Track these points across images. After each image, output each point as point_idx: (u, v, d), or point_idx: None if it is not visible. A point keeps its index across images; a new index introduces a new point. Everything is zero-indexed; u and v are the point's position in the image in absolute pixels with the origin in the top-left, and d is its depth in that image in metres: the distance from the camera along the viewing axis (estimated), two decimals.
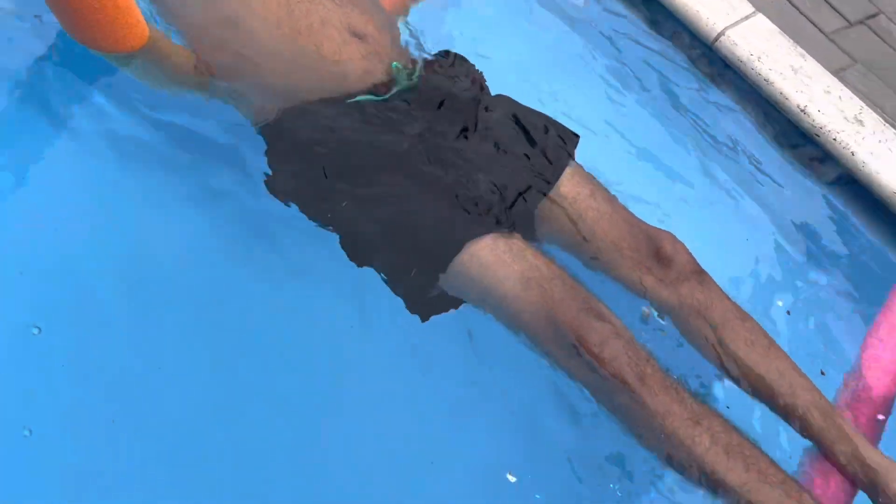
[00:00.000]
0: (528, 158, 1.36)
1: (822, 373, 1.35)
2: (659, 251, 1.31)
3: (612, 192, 1.43)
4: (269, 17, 1.30)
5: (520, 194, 1.34)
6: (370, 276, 1.34)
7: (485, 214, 1.27)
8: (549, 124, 1.45)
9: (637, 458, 1.21)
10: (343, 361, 1.37)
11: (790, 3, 2.88)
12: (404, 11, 1.64)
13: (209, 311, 1.31)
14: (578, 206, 1.35)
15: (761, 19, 2.59)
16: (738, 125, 2.26)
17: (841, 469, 1.20)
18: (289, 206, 1.33)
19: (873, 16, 3.18)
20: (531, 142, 1.38)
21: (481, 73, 1.49)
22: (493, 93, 1.49)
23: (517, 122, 1.42)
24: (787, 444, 1.32)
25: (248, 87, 1.36)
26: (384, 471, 1.28)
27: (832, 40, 2.86)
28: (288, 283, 1.38)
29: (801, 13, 2.90)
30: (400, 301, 1.32)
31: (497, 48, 1.72)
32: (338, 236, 1.33)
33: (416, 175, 1.28)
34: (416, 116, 1.34)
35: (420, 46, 1.51)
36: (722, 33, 2.41)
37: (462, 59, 1.51)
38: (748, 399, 1.29)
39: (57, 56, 1.44)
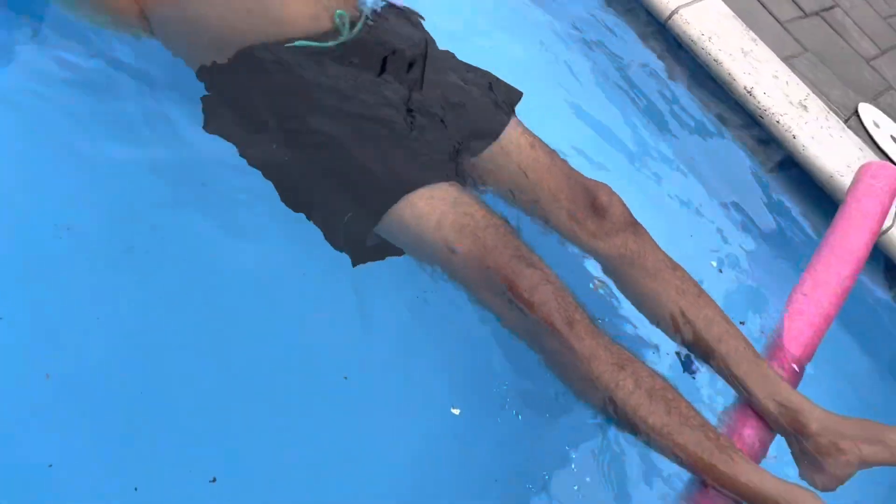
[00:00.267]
0: (471, 112, 1.41)
1: (742, 322, 1.43)
2: (595, 202, 1.37)
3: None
4: None
5: (461, 145, 1.40)
6: (312, 228, 1.38)
7: (423, 164, 1.32)
8: (493, 82, 1.51)
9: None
10: (283, 305, 1.41)
11: None
12: None
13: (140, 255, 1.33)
14: (519, 157, 1.41)
15: (716, 2, 2.69)
16: (685, 104, 2.35)
17: (762, 412, 1.29)
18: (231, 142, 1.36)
19: (829, 8, 3.31)
20: (474, 97, 1.43)
21: (424, 29, 1.53)
22: (438, 48, 1.54)
23: (461, 77, 1.47)
24: (709, 390, 1.40)
25: (188, 28, 1.38)
26: (330, 409, 1.32)
27: (786, 29, 2.97)
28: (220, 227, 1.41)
29: (759, 1, 3.01)
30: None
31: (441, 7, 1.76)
32: (274, 180, 1.36)
33: (356, 123, 1.32)
34: (358, 67, 1.38)
35: None
36: (675, 12, 2.50)
37: (409, 14, 1.55)
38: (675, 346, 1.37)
39: None
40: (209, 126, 1.34)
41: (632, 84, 2.25)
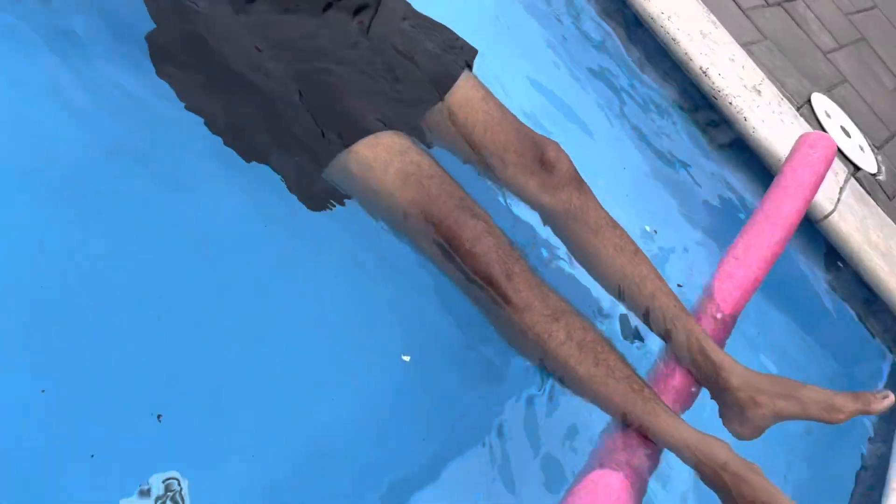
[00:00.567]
0: (423, 63, 1.47)
1: (679, 285, 1.53)
2: (543, 157, 1.45)
3: None
4: None
5: (410, 96, 1.45)
6: (268, 176, 1.43)
7: (370, 112, 1.36)
8: (448, 37, 1.56)
9: None
10: (234, 254, 1.45)
11: None
12: None
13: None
14: (470, 109, 1.47)
15: None
16: (639, 80, 2.44)
17: (688, 366, 1.39)
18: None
19: (791, 0, 3.43)
20: (427, 49, 1.49)
21: None
22: None
23: (415, 27, 1.53)
24: (639, 345, 1.50)
25: None
26: (280, 356, 1.38)
27: (747, 15, 3.08)
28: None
29: None
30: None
31: None
32: (227, 135, 1.40)
33: (303, 69, 1.36)
34: (307, 12, 1.43)
35: None
36: None
37: None
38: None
39: None
40: (159, 72, 1.38)
41: (587, 56, 2.34)
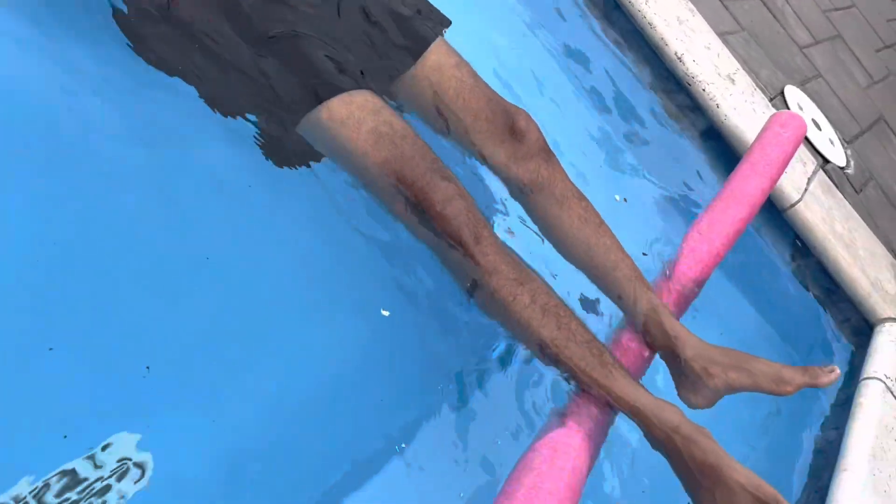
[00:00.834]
0: (398, 26, 1.52)
1: (644, 254, 1.59)
2: (514, 126, 1.49)
3: None
4: None
5: (385, 60, 1.50)
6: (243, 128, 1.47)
7: (344, 72, 1.40)
8: (422, 6, 1.61)
9: None
10: (211, 211, 1.49)
11: None
12: None
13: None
14: (443, 75, 1.51)
15: None
16: (616, 64, 2.51)
17: (646, 336, 1.45)
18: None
19: None
20: (401, 14, 1.54)
21: None
22: None
23: None
24: (600, 312, 1.56)
25: None
26: (262, 312, 1.41)
27: (725, 6, 3.16)
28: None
29: None
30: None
31: None
32: (196, 88, 1.44)
33: (279, 28, 1.38)
34: None
35: None
36: None
37: None
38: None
39: None
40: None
41: (566, 36, 2.40)
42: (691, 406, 1.39)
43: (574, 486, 1.15)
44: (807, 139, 2.73)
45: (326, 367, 1.44)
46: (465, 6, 2.00)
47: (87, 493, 1.13)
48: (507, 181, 1.50)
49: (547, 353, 1.32)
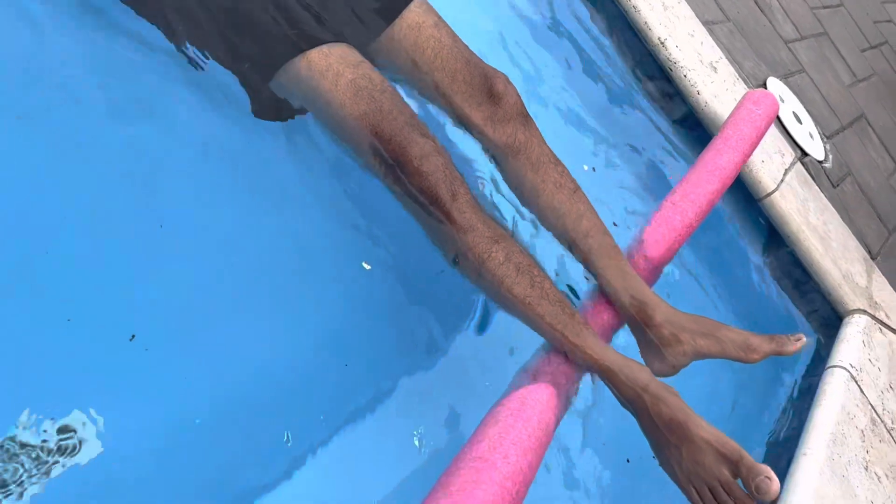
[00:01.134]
0: None
1: (615, 224, 1.66)
2: (492, 88, 1.55)
3: None
4: None
5: (364, 17, 1.54)
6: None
7: (323, 25, 1.45)
8: None
9: None
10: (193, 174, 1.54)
11: None
12: None
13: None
14: (422, 34, 1.57)
15: None
16: (598, 45, 2.58)
17: (615, 301, 1.52)
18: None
19: None
20: None
21: None
22: None
23: None
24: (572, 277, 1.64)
25: None
26: (242, 270, 1.47)
27: None
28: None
29: None
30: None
31: None
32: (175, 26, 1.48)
33: None
34: None
35: None
36: None
37: None
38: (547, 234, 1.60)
39: None
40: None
41: (549, 12, 2.47)
42: (657, 373, 1.45)
43: (540, 437, 1.21)
44: (786, 131, 2.82)
45: (305, 328, 1.50)
46: None
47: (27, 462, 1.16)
48: (484, 144, 1.56)
49: (519, 311, 1.38)
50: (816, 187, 2.72)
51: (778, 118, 2.82)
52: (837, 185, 2.90)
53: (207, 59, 1.47)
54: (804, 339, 1.46)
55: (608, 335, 1.47)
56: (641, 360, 1.49)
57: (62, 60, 1.46)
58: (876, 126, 3.61)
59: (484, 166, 1.61)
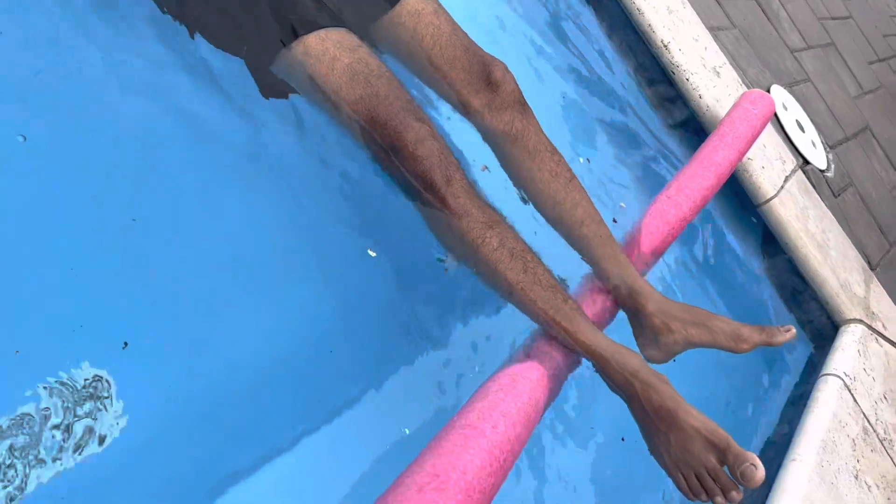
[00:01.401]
0: None
1: (615, 221, 1.73)
2: (490, 76, 1.60)
3: None
4: None
5: (362, 2, 1.60)
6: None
7: (321, 10, 1.49)
8: None
9: None
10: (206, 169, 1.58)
11: None
12: None
13: None
14: (421, 21, 1.62)
15: None
16: (600, 46, 2.65)
17: (611, 289, 1.59)
18: None
19: None
20: None
21: None
22: None
23: None
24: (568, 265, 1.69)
25: None
26: (249, 264, 1.52)
27: (718, 2, 3.31)
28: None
29: None
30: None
31: None
32: (193, 24, 1.53)
33: None
34: None
35: None
36: None
37: None
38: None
39: None
40: None
41: (551, 10, 2.53)
42: (651, 360, 1.52)
43: (529, 413, 1.27)
44: (788, 139, 2.88)
45: (303, 311, 1.55)
46: None
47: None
48: (482, 130, 1.62)
49: (512, 296, 1.43)
50: (817, 196, 2.78)
51: (780, 125, 2.89)
52: (839, 195, 2.96)
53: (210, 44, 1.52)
54: (793, 330, 1.52)
55: (603, 321, 1.53)
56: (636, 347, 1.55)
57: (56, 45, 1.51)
58: (881, 138, 3.68)
59: (483, 151, 1.66)
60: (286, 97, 1.57)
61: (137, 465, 1.26)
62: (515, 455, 1.19)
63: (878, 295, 2.76)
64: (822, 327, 2.59)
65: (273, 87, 1.53)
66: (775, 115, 2.91)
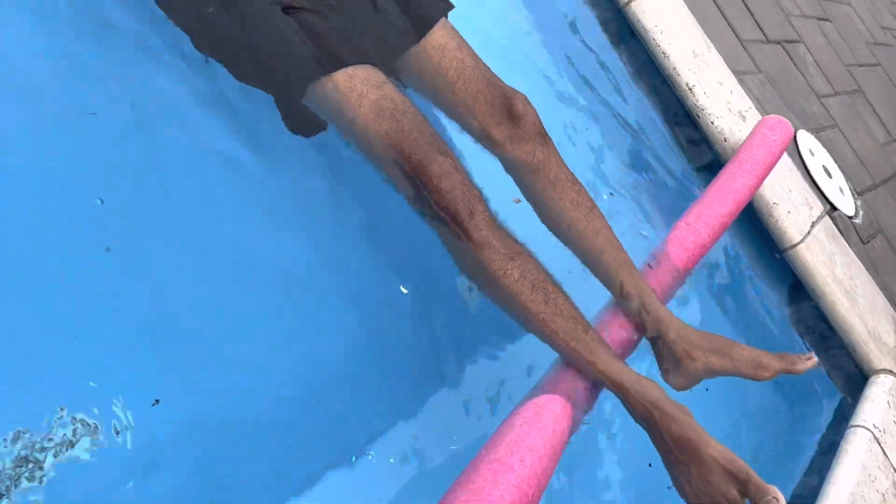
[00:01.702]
0: (403, 7, 1.71)
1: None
2: (512, 108, 1.68)
3: None
4: None
5: (390, 37, 1.68)
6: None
7: (349, 46, 1.58)
8: None
9: None
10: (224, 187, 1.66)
11: (716, 4, 3.39)
12: None
13: None
14: (445, 56, 1.71)
15: (678, 2, 3.06)
16: (624, 88, 2.71)
17: (632, 317, 1.64)
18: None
19: (792, 41, 3.75)
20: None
21: None
22: None
23: None
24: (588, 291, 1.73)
25: None
26: (284, 297, 1.59)
27: (744, 47, 3.37)
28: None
29: (724, 16, 3.41)
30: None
31: None
32: (219, 58, 1.60)
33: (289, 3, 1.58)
34: None
35: None
36: None
37: None
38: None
39: None
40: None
41: (576, 50, 2.61)
42: (673, 388, 1.58)
43: (555, 445, 1.31)
44: (815, 184, 2.92)
45: (335, 348, 1.62)
46: (476, 5, 2.20)
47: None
48: (504, 161, 1.70)
49: (534, 327, 1.49)
50: (845, 242, 2.82)
51: (807, 170, 2.93)
52: (867, 242, 3.00)
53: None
54: (815, 358, 1.57)
55: (625, 350, 1.59)
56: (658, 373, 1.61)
57: (77, 70, 1.57)
58: None
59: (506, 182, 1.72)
60: (315, 133, 1.64)
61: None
62: (542, 489, 1.23)
63: None
64: (851, 375, 2.61)
65: (301, 122, 1.60)
66: (801, 159, 2.96)
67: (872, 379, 2.57)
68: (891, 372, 2.57)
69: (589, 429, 1.49)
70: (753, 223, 2.60)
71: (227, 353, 1.48)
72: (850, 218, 2.98)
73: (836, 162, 3.14)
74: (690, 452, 1.39)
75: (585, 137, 2.35)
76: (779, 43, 3.65)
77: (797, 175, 2.82)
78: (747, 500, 1.37)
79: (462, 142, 1.72)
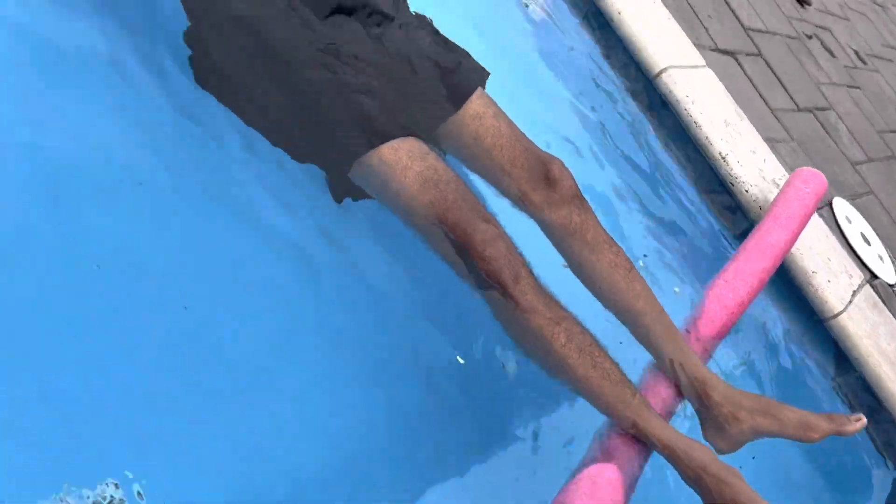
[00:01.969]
0: (442, 78, 1.78)
1: (676, 290, 1.81)
2: (548, 174, 1.74)
3: None
4: None
5: (430, 108, 1.75)
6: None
7: (394, 120, 1.65)
8: (464, 58, 1.87)
9: None
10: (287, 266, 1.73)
11: (745, 74, 3.46)
12: None
13: None
14: (482, 124, 1.77)
15: (708, 73, 3.13)
16: (661, 161, 2.77)
17: (674, 378, 1.67)
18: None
19: (823, 109, 3.81)
20: (445, 64, 1.80)
21: None
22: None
23: (435, 43, 1.84)
24: (632, 356, 1.76)
25: None
26: (339, 360, 1.66)
27: (776, 116, 3.43)
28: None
29: (753, 85, 3.48)
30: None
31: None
32: (273, 139, 1.69)
33: (331, 76, 1.64)
34: (334, 24, 1.72)
35: None
36: (665, 70, 2.94)
37: None
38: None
39: None
40: (198, 80, 1.69)
41: (613, 123, 2.68)
42: (717, 450, 1.59)
43: None
44: (854, 252, 2.94)
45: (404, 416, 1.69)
46: (510, 71, 2.27)
47: None
48: (542, 224, 1.75)
49: (582, 390, 1.54)
50: (888, 312, 2.82)
51: (845, 239, 2.96)
52: None
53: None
54: (864, 419, 1.58)
55: (668, 413, 1.60)
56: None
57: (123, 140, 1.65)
58: None
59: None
60: (357, 200, 1.70)
61: None
62: None
63: None
64: None
65: (346, 195, 1.69)
66: (839, 227, 2.99)
67: None
68: None
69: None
70: (793, 292, 2.62)
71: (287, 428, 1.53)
72: (892, 286, 3.00)
73: (874, 229, 3.17)
74: None
75: (620, 202, 2.39)
76: (810, 111, 3.71)
77: (835, 242, 2.85)
78: None
79: (501, 207, 1.76)
